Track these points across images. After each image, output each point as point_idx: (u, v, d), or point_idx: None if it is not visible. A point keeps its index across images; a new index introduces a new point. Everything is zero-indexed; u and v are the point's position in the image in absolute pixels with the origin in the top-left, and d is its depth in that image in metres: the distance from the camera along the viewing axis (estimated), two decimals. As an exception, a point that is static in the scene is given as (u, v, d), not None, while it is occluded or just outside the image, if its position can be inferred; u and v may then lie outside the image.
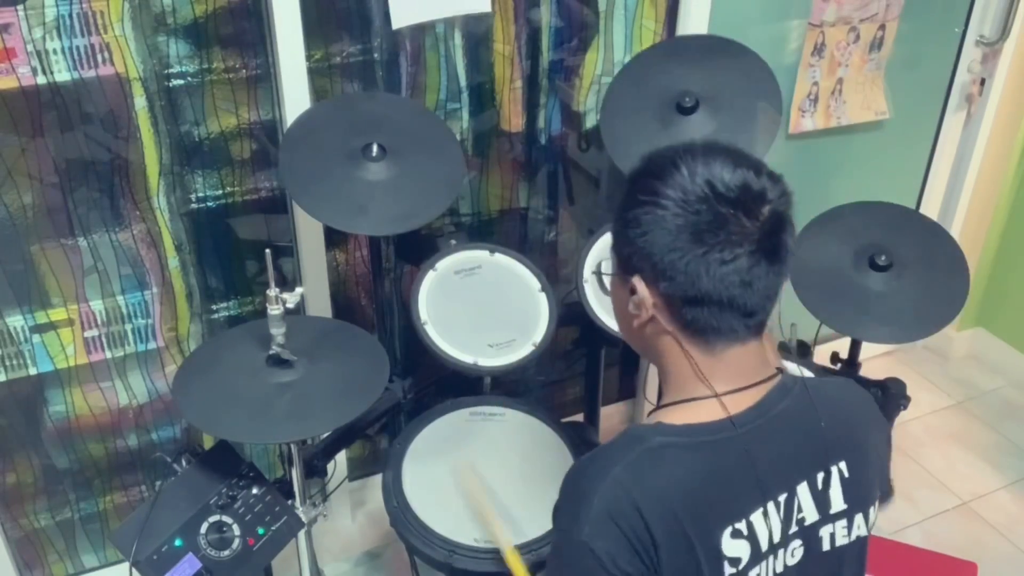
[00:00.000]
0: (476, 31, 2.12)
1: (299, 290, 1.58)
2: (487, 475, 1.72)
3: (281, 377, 1.58)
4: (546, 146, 2.35)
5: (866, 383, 1.99)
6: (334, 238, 2.18)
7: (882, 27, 2.46)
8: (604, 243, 1.91)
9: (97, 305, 1.98)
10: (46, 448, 2.11)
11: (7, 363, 1.95)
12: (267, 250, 1.54)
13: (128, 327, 2.03)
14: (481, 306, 1.84)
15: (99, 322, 2.00)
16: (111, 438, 2.17)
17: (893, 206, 2.05)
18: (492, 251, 1.90)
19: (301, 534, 1.73)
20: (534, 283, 1.88)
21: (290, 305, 1.57)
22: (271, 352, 1.59)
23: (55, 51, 1.72)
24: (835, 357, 2.09)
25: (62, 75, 1.75)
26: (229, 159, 2.02)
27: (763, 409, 1.04)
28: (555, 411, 1.95)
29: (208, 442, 2.04)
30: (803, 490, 1.05)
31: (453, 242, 1.91)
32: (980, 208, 2.93)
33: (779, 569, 1.05)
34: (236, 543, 1.58)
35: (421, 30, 2.05)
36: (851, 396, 1.16)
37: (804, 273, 1.88)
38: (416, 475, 1.73)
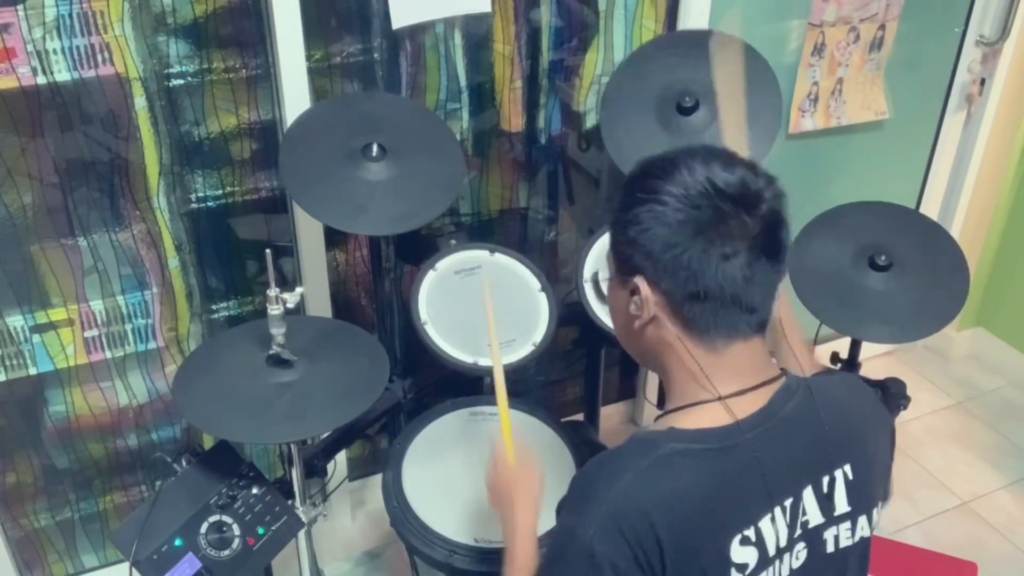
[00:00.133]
0: (476, 31, 2.12)
1: (299, 290, 1.58)
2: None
3: (281, 377, 1.58)
4: (546, 146, 2.35)
5: (866, 383, 1.99)
6: (334, 238, 2.18)
7: (882, 27, 2.46)
8: (604, 243, 1.89)
9: (97, 305, 1.98)
10: (46, 448, 2.11)
11: (7, 363, 1.95)
12: (267, 250, 1.54)
13: (128, 327, 2.03)
14: (481, 306, 1.83)
15: (99, 322, 2.00)
16: (111, 438, 2.17)
17: (893, 206, 2.05)
18: (492, 251, 1.90)
19: (301, 534, 1.73)
20: (534, 283, 1.88)
21: (290, 305, 1.57)
22: (271, 352, 1.59)
23: (55, 51, 1.72)
24: (835, 357, 2.09)
25: (62, 75, 1.75)
26: (229, 159, 2.02)
27: (769, 413, 1.04)
28: (555, 411, 1.95)
29: (208, 442, 2.04)
30: (808, 494, 1.05)
31: (453, 242, 1.91)
32: (980, 208, 2.93)
33: (784, 573, 1.05)
34: (236, 543, 1.58)
35: (421, 30, 2.05)
36: (855, 396, 1.16)
37: (804, 273, 1.88)
38: (416, 475, 1.73)
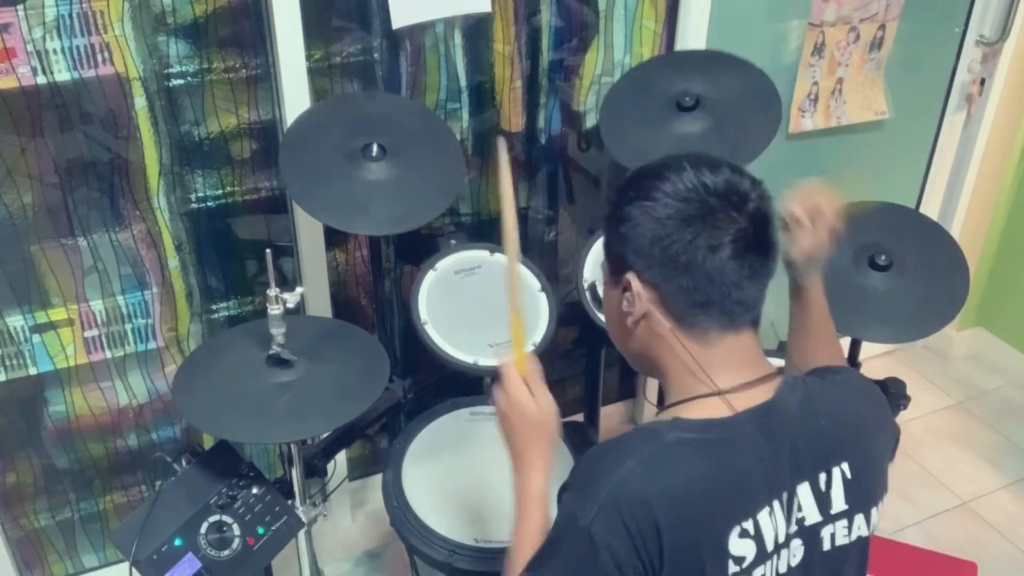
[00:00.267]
0: (476, 31, 2.12)
1: (299, 290, 1.58)
2: (487, 475, 1.72)
3: (281, 377, 1.58)
4: (546, 146, 2.35)
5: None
6: (334, 238, 2.18)
7: (882, 27, 2.46)
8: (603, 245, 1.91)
9: (97, 305, 1.98)
10: (46, 448, 2.11)
11: (7, 363, 1.95)
12: (267, 250, 1.54)
13: (128, 327, 2.03)
14: (481, 306, 1.84)
15: (99, 322, 2.00)
16: (111, 438, 2.17)
17: (893, 206, 2.05)
18: (492, 251, 1.90)
19: (301, 534, 1.73)
20: (534, 283, 1.88)
21: (290, 305, 1.57)
22: (271, 352, 1.59)
23: (55, 51, 1.72)
24: (835, 357, 2.09)
25: (62, 75, 1.75)
26: (229, 159, 2.02)
27: (770, 408, 1.05)
28: (555, 411, 1.95)
29: (208, 442, 2.03)
30: (804, 490, 1.05)
31: (453, 242, 1.91)
32: (980, 208, 2.93)
33: (782, 569, 1.05)
34: (236, 543, 1.58)
35: (421, 30, 2.05)
36: (857, 397, 1.16)
37: (804, 273, 1.88)
38: (416, 475, 1.73)
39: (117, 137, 1.87)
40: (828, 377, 1.16)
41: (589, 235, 2.00)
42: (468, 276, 1.86)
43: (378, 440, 2.53)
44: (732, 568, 1.00)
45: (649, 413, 2.75)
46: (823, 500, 1.06)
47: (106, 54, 1.77)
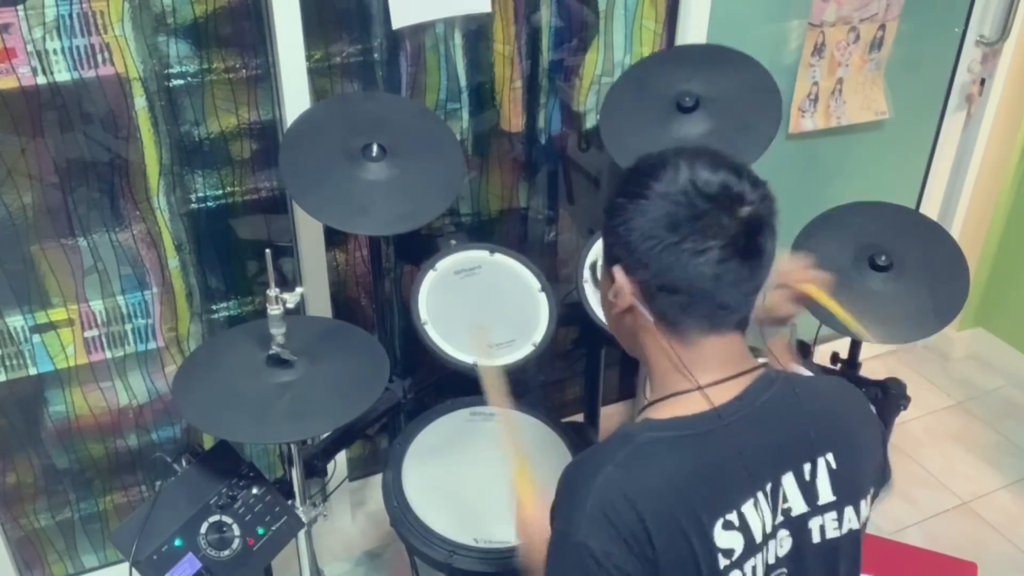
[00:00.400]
0: (476, 31, 2.12)
1: (299, 290, 1.58)
2: (487, 475, 1.72)
3: (281, 377, 1.58)
4: (546, 146, 2.35)
5: (866, 383, 1.99)
6: (334, 238, 2.18)
7: (882, 27, 2.46)
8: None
9: (97, 305, 1.98)
10: (46, 448, 2.11)
11: (7, 363, 1.95)
12: (267, 250, 1.54)
13: (128, 327, 2.03)
14: (481, 306, 1.84)
15: (99, 322, 2.00)
16: (111, 438, 2.17)
17: (893, 206, 2.05)
18: (492, 251, 1.90)
19: (301, 534, 1.73)
20: (534, 283, 1.88)
21: (290, 305, 1.57)
22: (271, 352, 1.59)
23: (55, 51, 1.72)
24: (835, 357, 2.09)
25: (62, 75, 1.75)
26: (229, 159, 2.02)
27: (747, 400, 1.06)
28: (555, 411, 1.95)
29: (208, 442, 2.03)
30: (789, 480, 1.06)
31: (453, 242, 1.91)
32: (980, 208, 2.93)
33: (771, 561, 1.05)
34: (236, 543, 1.58)
35: (421, 30, 2.05)
36: (840, 392, 1.17)
37: (804, 273, 1.88)
38: (416, 475, 1.73)
39: (117, 137, 1.87)
40: (814, 376, 1.18)
41: (589, 235, 2.00)
42: (468, 276, 1.86)
43: (378, 440, 2.53)
44: (723, 561, 1.00)
45: (649, 413, 2.74)
46: (808, 490, 1.07)
47: (106, 54, 1.77)
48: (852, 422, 1.13)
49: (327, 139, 1.78)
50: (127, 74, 1.81)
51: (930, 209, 2.93)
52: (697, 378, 1.05)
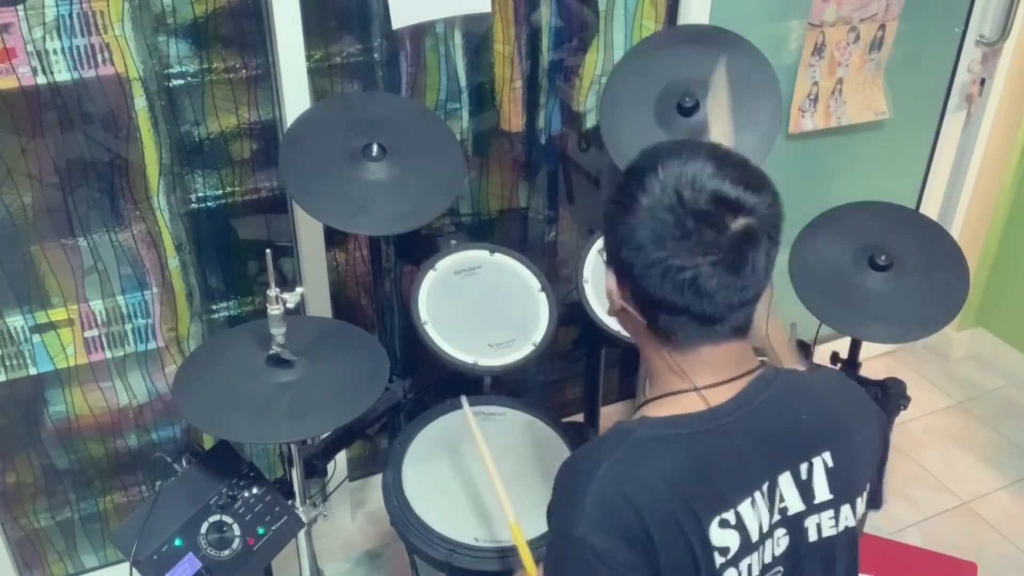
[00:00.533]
0: (476, 31, 2.12)
1: (299, 290, 1.58)
2: (487, 475, 1.72)
3: (281, 377, 1.58)
4: (546, 146, 2.35)
5: (866, 383, 1.99)
6: (334, 238, 2.18)
7: (882, 27, 2.46)
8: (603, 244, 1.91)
9: (97, 305, 1.98)
10: (46, 448, 2.11)
11: (7, 363, 1.95)
12: (267, 250, 1.54)
13: (128, 327, 2.03)
14: (481, 306, 1.84)
15: (99, 322, 2.00)
16: (111, 438, 2.17)
17: (893, 206, 2.05)
18: (492, 251, 1.90)
19: (301, 534, 1.73)
20: (534, 283, 1.88)
21: (290, 305, 1.57)
22: (271, 352, 1.59)
23: (55, 51, 1.72)
24: (835, 357, 2.09)
25: (62, 75, 1.75)
26: (229, 159, 2.02)
27: (744, 400, 1.05)
28: (555, 411, 1.95)
29: (208, 442, 2.03)
30: (785, 479, 1.06)
31: (453, 242, 1.91)
32: (980, 208, 2.93)
33: (767, 559, 1.06)
34: (236, 543, 1.58)
35: (421, 30, 2.05)
36: (838, 388, 1.17)
37: (804, 273, 1.88)
38: (416, 475, 1.73)
39: (117, 137, 1.87)
40: (814, 373, 1.17)
41: (589, 235, 2.00)
42: (468, 276, 1.86)
43: (378, 440, 2.53)
44: (719, 559, 1.01)
45: (649, 413, 2.74)
46: (805, 489, 1.07)
47: (106, 54, 1.77)
48: (849, 419, 1.13)
49: (327, 139, 1.78)
50: (127, 74, 1.81)
51: (930, 209, 2.93)
52: (694, 379, 1.05)
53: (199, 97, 1.93)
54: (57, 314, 1.95)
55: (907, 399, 2.01)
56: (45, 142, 1.82)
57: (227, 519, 1.59)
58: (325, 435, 1.92)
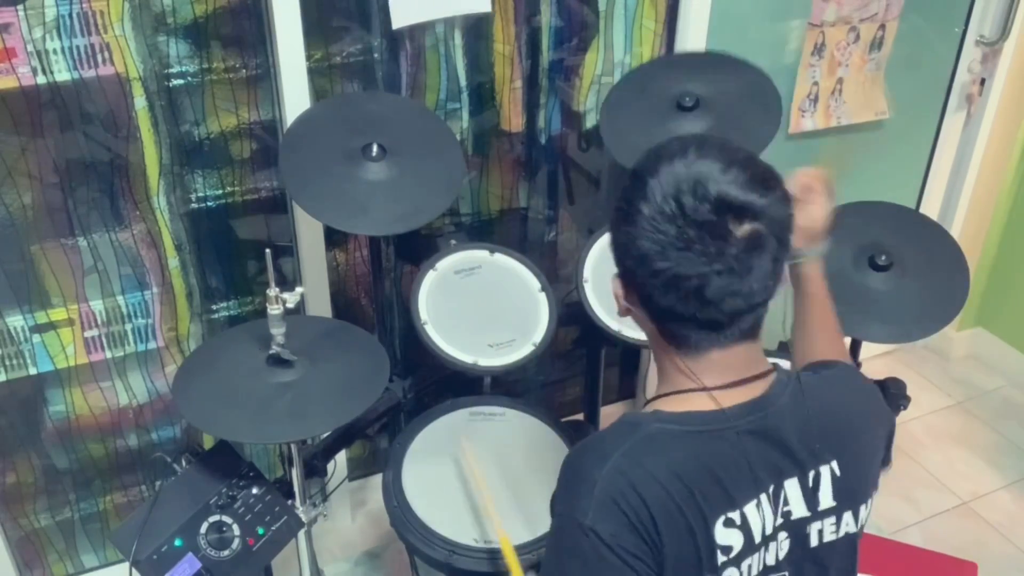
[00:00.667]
0: (476, 31, 2.12)
1: (299, 290, 1.59)
2: (487, 475, 1.72)
3: (281, 377, 1.58)
4: (546, 146, 2.35)
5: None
6: (334, 238, 2.18)
7: (882, 27, 2.46)
8: (604, 243, 1.91)
9: (97, 305, 1.98)
10: (46, 448, 2.11)
11: (7, 363, 1.95)
12: (267, 250, 1.54)
13: (128, 327, 2.03)
14: (481, 306, 1.84)
15: (99, 322, 2.00)
16: (111, 438, 2.17)
17: (893, 206, 2.04)
18: (492, 251, 1.90)
19: (301, 534, 1.73)
20: (534, 283, 1.88)
21: (290, 305, 1.57)
22: (271, 352, 1.59)
23: (55, 51, 1.72)
24: (835, 357, 2.09)
25: (62, 75, 1.75)
26: (229, 159, 2.02)
27: (758, 405, 1.05)
28: (555, 411, 1.95)
29: (208, 442, 2.04)
30: (792, 485, 1.06)
31: (453, 242, 1.91)
32: (980, 208, 2.93)
33: (770, 562, 1.06)
34: (236, 543, 1.58)
35: (421, 30, 2.05)
36: (849, 393, 1.16)
37: (804, 273, 1.88)
38: (416, 475, 1.73)
39: (117, 137, 1.87)
40: (821, 372, 1.15)
41: (589, 235, 2.00)
42: (468, 276, 1.86)
43: (378, 440, 2.53)
44: (720, 558, 1.01)
45: (649, 413, 2.74)
46: (810, 497, 1.07)
47: (106, 54, 1.77)
48: (858, 425, 1.13)
49: (327, 139, 1.78)
50: (127, 74, 1.81)
51: (930, 209, 2.93)
52: (704, 380, 1.05)
53: (199, 97, 1.93)
54: (57, 314, 1.95)
55: (907, 399, 2.01)
56: (45, 142, 1.82)
57: (227, 519, 1.59)
58: (325, 435, 1.92)
